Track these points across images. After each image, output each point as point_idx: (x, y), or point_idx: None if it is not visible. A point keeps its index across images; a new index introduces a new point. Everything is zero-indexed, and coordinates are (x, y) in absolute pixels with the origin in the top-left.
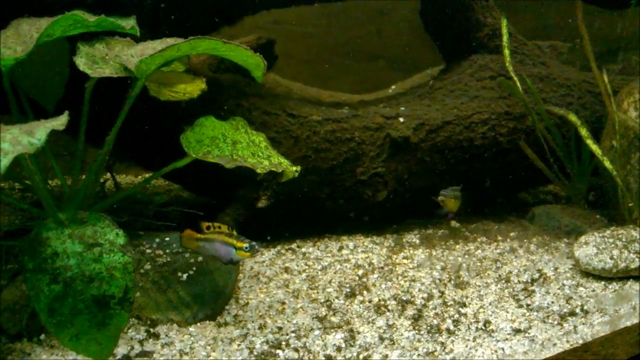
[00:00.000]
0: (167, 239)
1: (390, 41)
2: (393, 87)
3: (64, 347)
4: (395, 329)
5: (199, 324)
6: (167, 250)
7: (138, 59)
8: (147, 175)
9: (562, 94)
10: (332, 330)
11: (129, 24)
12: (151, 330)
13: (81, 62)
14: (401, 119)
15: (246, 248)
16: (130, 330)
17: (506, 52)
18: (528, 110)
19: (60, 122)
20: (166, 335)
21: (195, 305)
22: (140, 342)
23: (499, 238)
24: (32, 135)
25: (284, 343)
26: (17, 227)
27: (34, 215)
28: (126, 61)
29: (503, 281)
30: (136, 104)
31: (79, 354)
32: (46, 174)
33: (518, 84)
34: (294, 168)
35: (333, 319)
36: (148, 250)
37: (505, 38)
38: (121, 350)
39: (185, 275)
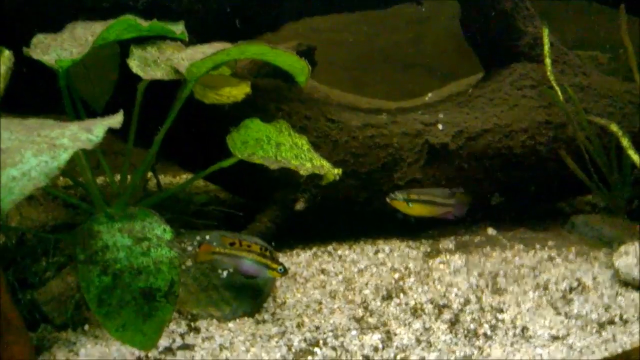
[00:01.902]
0: (207, 237)
1: (428, 49)
2: (429, 94)
3: (108, 338)
4: (432, 332)
5: (237, 320)
6: None
7: (188, 62)
8: (185, 176)
9: (603, 104)
10: (369, 330)
11: (179, 29)
12: (192, 324)
13: (134, 65)
14: (440, 126)
15: (280, 270)
16: (171, 324)
17: (547, 61)
18: (569, 119)
19: (116, 120)
20: (206, 330)
21: (235, 301)
22: (182, 335)
23: (537, 246)
24: (91, 132)
25: (321, 341)
26: (64, 222)
27: (83, 210)
28: (177, 64)
29: (541, 289)
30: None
31: (125, 343)
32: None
33: (559, 94)
34: (336, 171)
35: (370, 320)
36: (189, 248)
37: (546, 47)
38: (163, 342)
39: (225, 273)
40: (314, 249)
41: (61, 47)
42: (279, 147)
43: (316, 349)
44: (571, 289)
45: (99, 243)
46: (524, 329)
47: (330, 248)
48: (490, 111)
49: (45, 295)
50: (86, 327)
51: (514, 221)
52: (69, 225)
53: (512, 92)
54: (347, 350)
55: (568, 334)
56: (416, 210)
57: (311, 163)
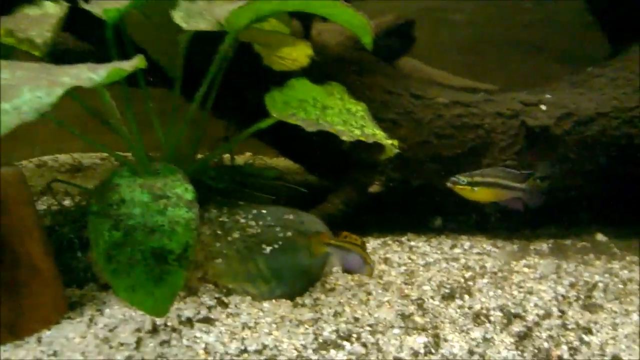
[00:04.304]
0: (263, 211)
1: (558, 31)
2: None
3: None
4: (492, 344)
5: (274, 300)
6: (260, 222)
7: None
8: (277, 158)
9: None
10: (415, 331)
11: None
12: (223, 298)
13: (178, 16)
14: (543, 107)
15: (371, 265)
16: (204, 296)
17: None
18: None
19: (128, 64)
20: (235, 306)
21: (273, 280)
22: (209, 308)
23: None
24: (95, 72)
25: (354, 336)
26: None
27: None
28: (219, 15)
29: None
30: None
31: (134, 306)
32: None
33: None
34: (391, 141)
35: (419, 319)
36: (242, 220)
37: None
38: (187, 312)
39: (269, 249)
40: (387, 238)
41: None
42: (325, 110)
43: (345, 343)
44: None
45: (115, 196)
46: (615, 358)
47: (404, 238)
48: (610, 92)
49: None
50: None
51: (633, 227)
52: None
53: None
54: (380, 350)
55: None
56: (481, 195)
57: (361, 130)
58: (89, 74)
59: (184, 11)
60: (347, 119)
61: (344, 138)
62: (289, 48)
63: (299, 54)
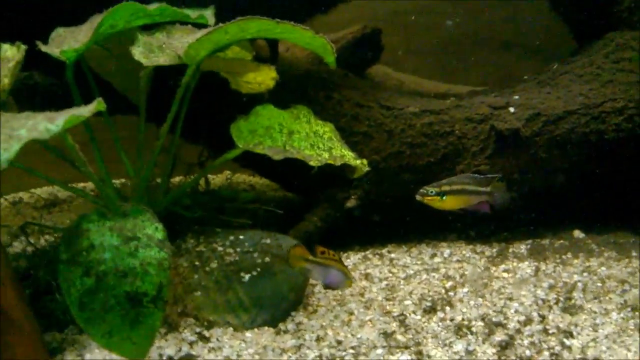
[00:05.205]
0: (241, 237)
1: (526, 27)
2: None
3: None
4: (474, 356)
5: (256, 329)
6: (238, 249)
7: None
8: (256, 178)
9: None
10: (398, 350)
11: (198, 13)
12: (204, 332)
13: (137, 52)
14: (511, 109)
15: (353, 278)
16: (185, 331)
17: None
18: None
19: (86, 109)
20: (217, 340)
21: (254, 308)
22: (191, 344)
23: (633, 254)
24: (52, 121)
25: (338, 359)
26: None
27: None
28: (179, 48)
29: (629, 309)
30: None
31: (113, 352)
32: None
33: None
34: (359, 161)
35: (402, 337)
36: (220, 248)
37: None
38: (169, 351)
39: (247, 276)
40: (368, 252)
41: (75, 40)
42: (292, 135)
43: None
44: None
45: (85, 242)
46: None
47: (385, 250)
48: (577, 89)
49: None
50: None
51: (610, 223)
52: None
53: (606, 65)
54: None
55: None
56: (450, 203)
57: (329, 153)
58: (47, 125)
59: (143, 46)
60: (315, 142)
61: (312, 163)
62: (253, 73)
63: (264, 78)
